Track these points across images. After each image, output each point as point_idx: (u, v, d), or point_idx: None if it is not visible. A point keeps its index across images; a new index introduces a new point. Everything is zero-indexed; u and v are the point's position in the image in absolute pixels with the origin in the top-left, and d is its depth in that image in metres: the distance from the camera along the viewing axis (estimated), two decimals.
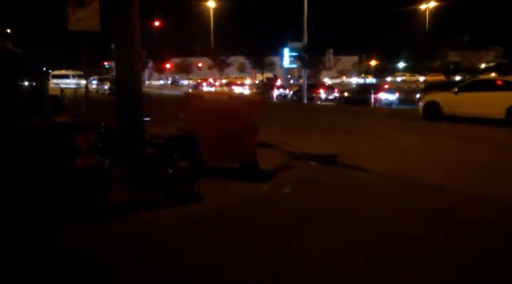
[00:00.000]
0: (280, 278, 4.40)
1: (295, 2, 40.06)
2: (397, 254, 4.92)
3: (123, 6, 8.21)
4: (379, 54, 77.39)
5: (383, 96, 31.48)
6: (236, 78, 70.24)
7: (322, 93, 37.42)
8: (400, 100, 32.20)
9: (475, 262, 4.77)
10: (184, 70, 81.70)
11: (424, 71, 69.94)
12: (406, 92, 38.24)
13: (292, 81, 61.58)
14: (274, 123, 15.28)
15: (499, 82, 17.78)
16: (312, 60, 42.83)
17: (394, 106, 30.67)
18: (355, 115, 22.46)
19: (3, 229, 5.53)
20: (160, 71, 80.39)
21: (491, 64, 71.72)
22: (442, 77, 61.98)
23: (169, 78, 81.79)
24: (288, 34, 46.38)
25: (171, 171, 6.80)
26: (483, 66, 72.28)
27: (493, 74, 39.04)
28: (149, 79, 79.87)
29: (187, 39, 72.25)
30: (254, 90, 46.37)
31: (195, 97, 9.90)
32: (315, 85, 40.74)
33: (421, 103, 19.99)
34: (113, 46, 8.83)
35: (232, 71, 75.68)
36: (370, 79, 72.22)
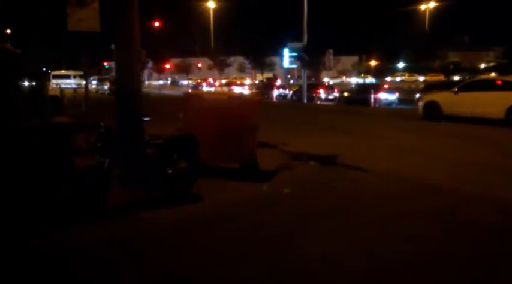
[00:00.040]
0: (280, 278, 4.40)
1: (295, 2, 40.09)
2: (397, 254, 4.92)
3: (123, 6, 8.20)
4: (379, 54, 77.46)
5: (383, 96, 31.47)
6: (236, 78, 70.24)
7: (322, 93, 37.40)
8: (400, 100, 32.20)
9: (475, 262, 4.76)
10: (184, 70, 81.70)
11: (424, 71, 69.96)
12: (406, 92, 38.25)
13: (292, 81, 61.59)
14: (274, 123, 15.28)
15: (499, 82, 17.78)
16: (311, 61, 42.83)
17: (394, 106, 30.67)
18: (355, 115, 22.46)
19: (3, 230, 5.53)
20: (160, 71, 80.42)
21: (491, 64, 71.71)
22: (441, 77, 61.96)
23: (169, 78, 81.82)
24: (288, 34, 46.43)
25: (170, 171, 6.80)
26: (483, 66, 72.28)
27: (493, 74, 39.03)
28: (149, 79, 79.91)
29: (187, 39, 72.32)
30: (254, 90, 46.37)
31: (194, 98, 9.90)
32: (314, 85, 40.74)
33: (420, 103, 20.00)
34: (112, 46, 8.83)
35: (232, 71, 75.70)
36: (370, 80, 72.23)
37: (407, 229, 5.68)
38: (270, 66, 71.71)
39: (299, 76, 54.96)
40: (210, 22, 61.57)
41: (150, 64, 73.05)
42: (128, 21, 8.21)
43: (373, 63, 79.63)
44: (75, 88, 36.76)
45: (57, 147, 6.52)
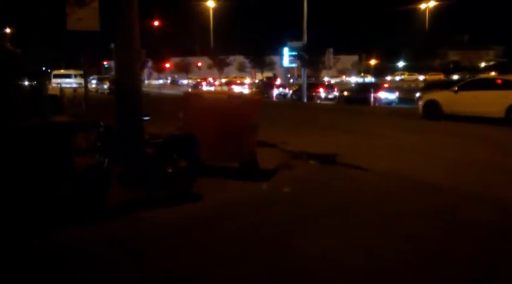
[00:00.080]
0: (280, 277, 4.40)
1: (295, 2, 40.08)
2: (397, 253, 4.92)
3: (122, 5, 8.19)
4: (378, 53, 77.44)
5: (383, 95, 31.48)
6: (236, 77, 70.22)
7: (322, 92, 37.40)
8: (400, 99, 32.22)
9: (475, 261, 4.76)
10: (184, 69, 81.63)
11: (423, 70, 69.96)
12: (406, 91, 38.26)
13: (292, 81, 61.60)
14: (274, 122, 15.28)
15: (499, 81, 17.78)
16: (311, 60, 42.83)
17: (393, 105, 30.67)
18: (354, 115, 22.46)
19: (3, 229, 5.53)
20: (160, 70, 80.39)
21: (491, 63, 71.71)
22: (441, 76, 61.96)
23: (169, 78, 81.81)
24: (288, 34, 46.48)
25: (170, 171, 6.79)
26: (483, 65, 72.27)
27: (493, 73, 39.05)
28: (149, 78, 79.89)
29: (187, 38, 72.29)
30: (254, 90, 46.37)
31: (194, 97, 9.89)
32: (314, 84, 40.74)
33: (420, 102, 20.01)
34: (112, 45, 8.82)
35: (231, 71, 75.67)
36: (369, 79, 72.22)
37: (407, 228, 5.68)
38: (270, 66, 71.67)
39: (299, 76, 54.99)
40: (209, 21, 61.57)
41: (149, 63, 73.02)
42: (127, 20, 8.21)
43: (373, 62, 79.61)
44: (75, 87, 36.77)
45: (57, 147, 6.51)
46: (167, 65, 78.24)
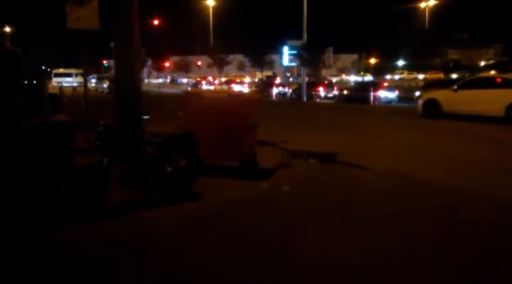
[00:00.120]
0: (280, 277, 4.39)
1: (295, 1, 40.02)
2: (397, 253, 4.91)
3: (122, 5, 8.19)
4: (378, 52, 77.35)
5: (382, 94, 31.47)
6: (235, 76, 70.20)
7: (322, 91, 37.37)
8: (400, 98, 32.21)
9: (475, 261, 4.75)
10: (184, 68, 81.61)
11: (423, 69, 69.92)
12: (406, 90, 38.25)
13: (291, 79, 61.56)
14: (273, 121, 15.28)
15: (499, 80, 17.78)
16: (311, 59, 42.79)
17: (393, 104, 30.66)
18: (354, 113, 22.45)
19: (4, 229, 5.52)
20: (160, 69, 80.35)
21: (491, 62, 71.68)
22: (441, 75, 61.93)
23: (168, 77, 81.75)
24: (288, 33, 46.46)
25: (170, 170, 6.79)
26: (483, 63, 72.23)
27: (493, 72, 39.06)
28: (148, 77, 79.86)
29: (187, 37, 72.18)
30: (253, 88, 46.35)
31: (194, 96, 9.89)
32: (314, 83, 40.70)
33: (420, 101, 20.00)
34: (112, 44, 8.82)
35: (231, 69, 75.66)
36: (369, 77, 72.17)
37: (407, 228, 5.68)
38: (270, 64, 71.67)
39: (299, 75, 54.95)
40: (209, 20, 61.54)
41: (149, 62, 72.99)
42: (127, 20, 8.20)
43: (373, 61, 79.53)
44: (75, 86, 36.74)
45: (57, 146, 6.50)
46: (167, 64, 78.21)
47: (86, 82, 14.00)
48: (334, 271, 4.48)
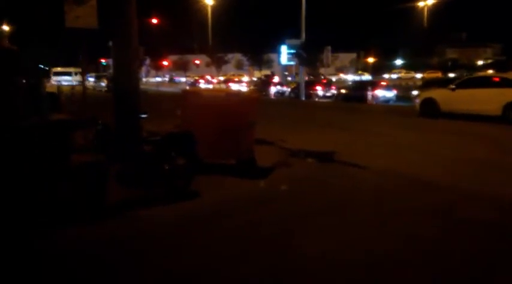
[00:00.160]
0: (280, 277, 4.39)
1: (293, 0, 40.00)
2: (396, 253, 4.90)
3: (121, 4, 8.19)
4: (377, 51, 77.43)
5: (380, 93, 31.50)
6: (234, 75, 70.17)
7: (320, 90, 37.35)
8: (398, 97, 32.24)
9: (473, 260, 4.76)
10: (182, 67, 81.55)
11: (421, 68, 69.97)
12: (404, 89, 38.27)
13: (290, 78, 61.54)
14: (272, 120, 15.29)
15: (496, 79, 17.81)
16: (309, 58, 42.78)
17: (391, 103, 30.69)
18: (352, 112, 22.48)
19: (4, 229, 5.50)
20: (158, 68, 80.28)
21: (489, 61, 71.78)
22: (439, 74, 62.00)
23: (166, 76, 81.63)
24: (287, 32, 46.39)
25: (168, 168, 6.79)
26: (481, 63, 72.32)
27: (491, 71, 39.13)
28: (146, 76, 79.77)
29: (185, 36, 72.13)
30: (252, 87, 46.31)
31: (192, 95, 9.90)
32: (312, 82, 40.67)
33: (418, 100, 20.04)
34: (110, 43, 8.83)
35: (229, 68, 75.64)
36: (366, 77, 72.17)
37: (405, 227, 5.69)
38: (268, 63, 71.64)
39: (297, 74, 54.95)
40: (208, 19, 61.49)
41: (147, 61, 72.93)
42: (126, 19, 8.20)
43: (371, 60, 79.62)
44: (73, 85, 36.70)
45: (56, 145, 6.50)
46: (165, 63, 78.14)
47: (84, 81, 14.00)
48: (334, 271, 4.48)
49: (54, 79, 54.98)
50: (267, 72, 69.31)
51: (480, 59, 77.78)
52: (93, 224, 5.68)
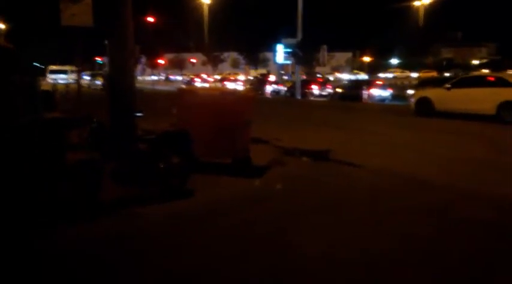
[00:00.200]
0: (280, 277, 4.37)
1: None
2: (393, 252, 4.88)
3: (116, 3, 8.18)
4: (373, 50, 77.57)
5: (376, 92, 31.57)
6: (229, 73, 70.13)
7: (316, 89, 37.37)
8: (393, 96, 32.33)
9: (471, 260, 4.74)
10: (178, 66, 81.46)
11: (417, 67, 70.12)
12: (399, 88, 38.36)
13: (286, 77, 61.52)
14: (267, 118, 15.28)
15: (491, 78, 17.89)
16: (306, 57, 42.82)
17: (387, 102, 30.76)
18: (348, 111, 22.51)
19: (3, 229, 5.46)
20: (154, 66, 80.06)
21: (484, 60, 72.02)
22: (434, 74, 62.15)
23: (161, 74, 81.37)
24: (283, 31, 46.37)
25: (163, 167, 6.78)
26: (477, 62, 72.55)
27: (486, 70, 39.22)
28: (142, 75, 79.55)
29: (181, 34, 72.04)
30: (248, 86, 46.28)
31: (188, 93, 9.90)
32: (308, 81, 40.69)
33: (413, 99, 20.11)
34: (106, 41, 8.82)
35: (225, 67, 75.59)
36: (362, 76, 72.24)
37: (401, 226, 5.67)
38: (264, 62, 71.67)
39: (293, 73, 54.96)
40: (204, 17, 61.43)
41: (143, 59, 72.75)
42: (122, 20, 8.20)
43: (367, 59, 79.72)
44: (69, 83, 36.61)
45: (51, 144, 6.47)
46: (162, 62, 77.92)
47: (79, 79, 13.97)
48: (332, 270, 4.47)
49: (50, 78, 54.77)
50: (263, 71, 69.40)
51: (475, 58, 78.03)
52: (89, 222, 5.64)
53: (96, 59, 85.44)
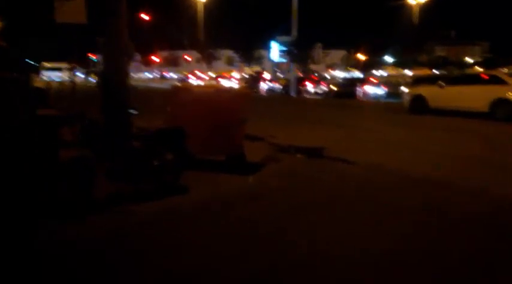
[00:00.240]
0: (280, 276, 4.34)
1: None
2: (392, 252, 4.86)
3: (111, 3, 8.17)
4: (367, 48, 77.53)
5: (371, 89, 31.65)
6: (224, 71, 69.99)
7: (311, 87, 37.41)
8: (388, 94, 32.41)
9: (471, 260, 4.72)
10: (172, 63, 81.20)
11: (410, 65, 70.20)
12: (394, 86, 38.42)
13: (281, 75, 61.50)
14: (262, 116, 15.29)
15: (484, 76, 17.98)
16: (300, 54, 42.85)
17: (382, 99, 30.85)
18: (342, 109, 22.56)
19: (3, 229, 5.42)
20: (148, 64, 79.85)
21: (479, 59, 72.28)
22: (428, 71, 62.27)
23: (155, 71, 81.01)
24: (278, 28, 46.40)
25: (157, 164, 6.76)
26: (471, 61, 72.79)
27: (480, 69, 39.41)
28: (136, 72, 79.33)
29: (176, 31, 71.83)
30: (243, 84, 46.26)
31: (183, 91, 9.88)
32: (303, 79, 40.72)
33: (407, 97, 20.17)
34: (99, 38, 8.82)
35: (220, 65, 75.44)
36: (355, 73, 72.26)
37: (396, 223, 5.66)
38: (259, 60, 71.55)
39: (288, 71, 54.95)
40: (199, 15, 61.26)
41: (138, 57, 72.54)
42: (116, 18, 8.18)
43: (362, 57, 79.72)
44: (64, 80, 36.48)
45: (47, 141, 6.45)
46: (156, 59, 77.73)
47: (73, 76, 13.94)
48: (329, 268, 4.45)
49: (45, 75, 54.53)
50: (258, 68, 69.28)
51: (468, 56, 78.25)
52: (83, 220, 5.62)
53: (91, 56, 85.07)
